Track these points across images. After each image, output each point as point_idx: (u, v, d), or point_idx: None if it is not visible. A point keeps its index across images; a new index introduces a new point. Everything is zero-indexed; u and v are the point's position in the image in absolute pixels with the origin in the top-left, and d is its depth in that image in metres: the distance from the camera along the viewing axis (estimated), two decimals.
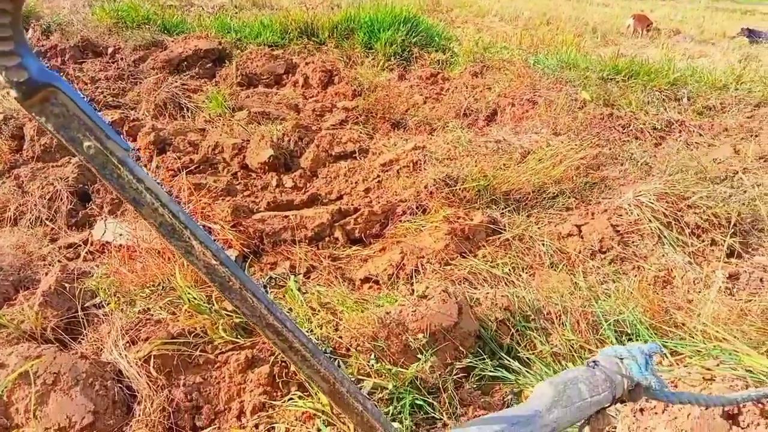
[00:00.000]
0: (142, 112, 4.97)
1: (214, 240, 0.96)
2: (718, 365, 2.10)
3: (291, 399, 1.98)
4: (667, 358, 2.27)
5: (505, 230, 3.23)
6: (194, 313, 2.21)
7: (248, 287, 1.05)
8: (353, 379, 2.01)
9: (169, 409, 1.97)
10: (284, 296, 2.37)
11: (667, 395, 1.48)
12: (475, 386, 2.16)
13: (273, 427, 1.92)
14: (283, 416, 1.94)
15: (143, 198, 0.95)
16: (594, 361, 1.39)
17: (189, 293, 2.30)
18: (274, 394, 2.03)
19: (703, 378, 2.00)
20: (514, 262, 3.03)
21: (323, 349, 2.09)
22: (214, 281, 1.05)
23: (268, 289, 2.52)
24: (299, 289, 2.44)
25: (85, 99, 0.50)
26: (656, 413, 1.88)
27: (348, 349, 2.11)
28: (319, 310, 2.21)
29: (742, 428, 1.78)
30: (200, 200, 3.22)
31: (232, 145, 4.24)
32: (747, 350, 2.08)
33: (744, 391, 1.79)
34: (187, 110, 5.07)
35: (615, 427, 1.97)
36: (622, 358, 1.41)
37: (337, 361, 2.05)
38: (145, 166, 4.04)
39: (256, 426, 1.92)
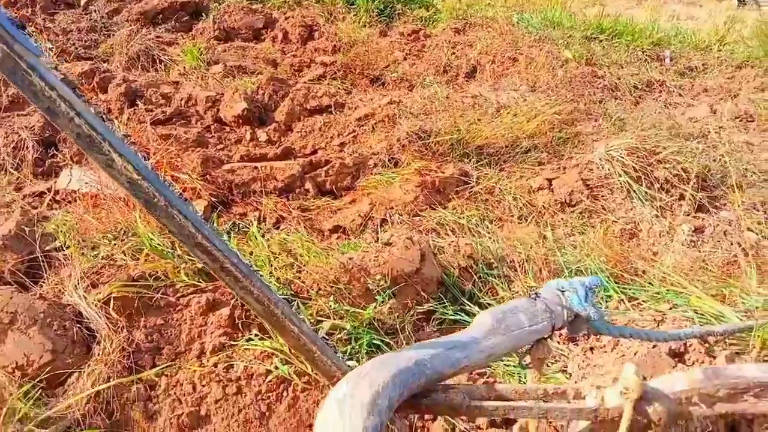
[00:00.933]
0: (114, 64, 4.84)
1: (142, 160, 0.95)
2: (670, 309, 2.15)
3: (250, 339, 2.00)
4: (624, 303, 2.32)
5: (476, 183, 3.24)
6: (156, 257, 2.21)
7: (174, 204, 1.05)
8: (312, 320, 2.03)
9: (129, 349, 1.98)
10: (247, 242, 2.37)
11: (609, 328, 1.52)
12: (434, 329, 2.20)
13: (232, 366, 1.95)
14: (242, 355, 1.97)
15: (58, 107, 0.93)
16: (536, 293, 1.42)
17: (151, 239, 2.29)
18: (234, 335, 2.06)
19: (654, 320, 2.05)
20: (483, 215, 3.05)
21: (283, 292, 2.11)
22: (138, 197, 1.04)
23: (231, 234, 2.51)
24: (263, 236, 2.44)
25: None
26: (605, 352, 1.93)
27: (309, 292, 2.13)
28: (280, 254, 2.21)
29: (687, 365, 1.83)
30: (169, 150, 3.18)
31: (206, 97, 4.16)
32: (698, 293, 2.13)
33: (687, 329, 1.84)
34: (161, 63, 4.95)
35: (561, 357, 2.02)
36: (563, 291, 1.44)
37: (296, 303, 2.07)
38: (116, 118, 3.97)
39: (215, 365, 1.95)
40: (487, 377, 2.05)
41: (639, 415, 1.21)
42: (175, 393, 1.90)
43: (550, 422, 1.80)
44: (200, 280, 2.21)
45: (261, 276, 1.11)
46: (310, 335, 1.17)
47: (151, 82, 4.38)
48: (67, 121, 0.89)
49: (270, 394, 1.89)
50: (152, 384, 1.93)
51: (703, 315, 2.06)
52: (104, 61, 4.97)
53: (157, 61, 4.97)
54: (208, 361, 1.97)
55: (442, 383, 1.29)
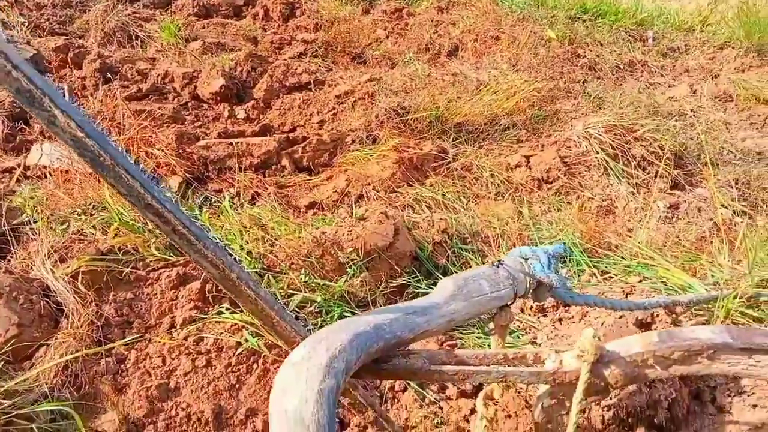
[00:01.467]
0: (89, 40, 4.74)
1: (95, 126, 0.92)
2: (640, 281, 2.17)
3: (220, 312, 2.00)
4: (595, 277, 2.34)
5: (454, 160, 3.23)
6: (125, 231, 2.18)
7: (121, 163, 1.02)
8: (283, 293, 2.03)
9: (97, 322, 1.96)
10: (218, 216, 2.35)
11: (572, 296, 1.53)
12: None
13: (202, 339, 1.94)
14: (212, 328, 1.96)
15: None
16: (499, 261, 1.42)
17: (121, 213, 2.26)
18: (205, 308, 2.05)
19: (623, 291, 2.08)
20: (461, 191, 3.05)
21: (254, 266, 2.10)
22: (84, 156, 1.02)
23: (203, 209, 2.49)
24: (236, 211, 2.41)
25: None
26: (573, 323, 1.95)
27: (281, 266, 2.12)
28: (251, 228, 2.19)
29: None
30: (143, 126, 3.12)
31: (183, 74, 4.09)
32: (666, 265, 2.15)
33: (653, 298, 1.86)
34: (138, 40, 4.85)
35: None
36: (526, 258, 1.45)
37: (267, 276, 2.06)
38: (91, 94, 3.89)
39: (185, 338, 1.94)
40: (459, 348, 2.06)
41: (596, 377, 1.22)
42: (144, 366, 1.89)
43: (519, 391, 1.82)
44: (171, 255, 2.19)
45: (217, 239, 1.10)
46: (268, 300, 1.17)
47: (127, 58, 4.29)
48: (3, 74, 0.86)
49: (240, 366, 1.89)
50: (122, 357, 1.92)
51: (671, 287, 2.09)
52: (79, 37, 4.86)
53: (134, 37, 4.87)
54: (178, 334, 1.96)
55: (404, 349, 1.30)
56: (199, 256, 1.09)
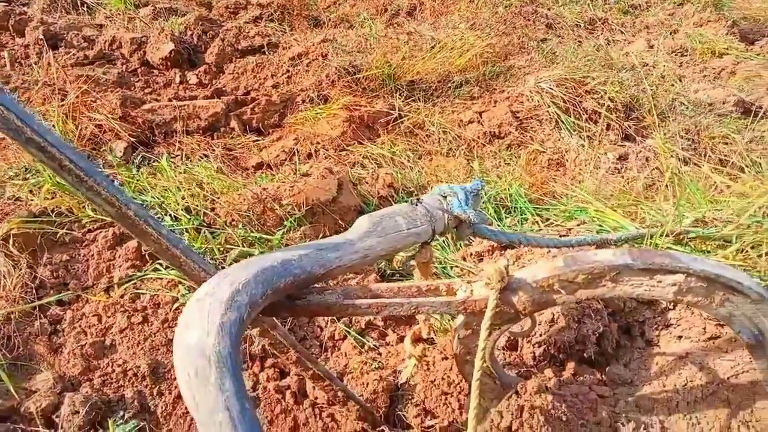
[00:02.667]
0: (33, 7, 4.56)
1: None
2: (579, 225, 2.20)
3: (157, 269, 1.98)
4: (538, 224, 2.37)
5: (406, 118, 3.21)
6: (59, 192, 2.14)
7: None
8: (221, 249, 2.01)
9: (32, 285, 1.93)
10: (156, 175, 2.31)
11: (495, 233, 1.54)
12: None
13: (138, 296, 1.93)
14: (149, 286, 1.94)
15: None
16: (417, 199, 1.42)
17: (53, 174, 2.20)
18: (143, 267, 2.03)
19: (559, 235, 2.10)
20: (412, 148, 3.04)
21: (193, 222, 2.07)
22: None
23: (141, 168, 2.44)
24: (175, 169, 2.37)
25: None
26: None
27: (219, 223, 2.10)
28: (187, 184, 2.16)
29: None
30: (86, 92, 3.04)
31: (131, 39, 3.97)
32: (601, 208, 2.18)
33: (581, 236, 1.89)
34: (85, 6, 4.68)
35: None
36: (445, 196, 1.45)
37: (203, 231, 2.04)
38: (35, 63, 3.76)
39: (121, 296, 1.92)
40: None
41: (505, 304, 1.24)
42: (80, 325, 1.87)
43: (446, 330, 1.84)
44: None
45: (109, 178, 1.07)
46: (171, 238, 1.15)
47: (73, 25, 4.15)
48: None
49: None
50: (57, 318, 1.90)
51: (606, 229, 2.12)
52: (23, 5, 4.67)
53: (80, 4, 4.69)
54: (115, 293, 1.94)
55: (319, 285, 1.30)
56: (92, 193, 1.07)
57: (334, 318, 1.94)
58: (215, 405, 0.94)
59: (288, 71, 3.83)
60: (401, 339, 1.93)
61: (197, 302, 1.05)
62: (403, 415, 1.71)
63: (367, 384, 1.72)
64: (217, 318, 1.02)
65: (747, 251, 1.84)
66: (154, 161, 2.53)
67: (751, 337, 1.28)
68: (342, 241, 1.29)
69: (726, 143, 3.32)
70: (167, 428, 1.70)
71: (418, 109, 3.29)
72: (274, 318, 1.33)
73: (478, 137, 3.17)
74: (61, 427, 1.54)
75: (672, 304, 1.84)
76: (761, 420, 1.58)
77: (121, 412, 1.60)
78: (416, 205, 1.41)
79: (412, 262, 1.46)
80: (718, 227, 1.96)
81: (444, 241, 2.29)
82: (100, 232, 2.10)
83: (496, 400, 1.44)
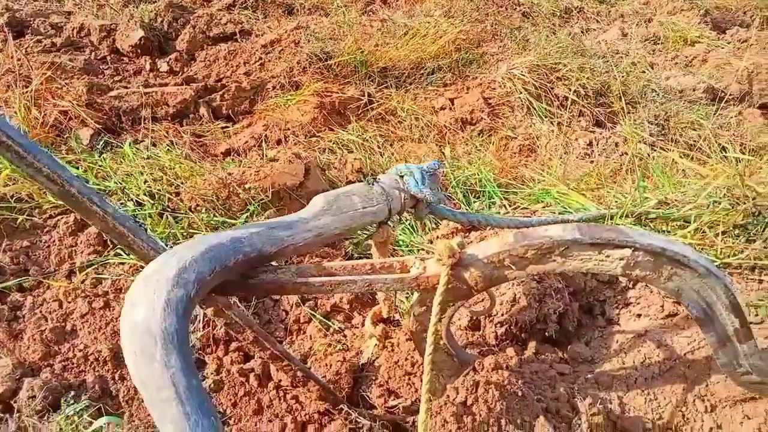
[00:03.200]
0: None
1: None
2: (544, 207, 2.22)
3: (119, 254, 1.96)
4: (505, 207, 2.39)
5: (378, 104, 3.20)
6: (18, 179, 2.10)
7: None
8: (184, 233, 2.00)
9: None
10: (118, 160, 2.28)
11: (453, 212, 1.55)
12: None
13: (100, 281, 1.91)
14: (111, 271, 1.92)
15: None
16: (374, 178, 1.42)
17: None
18: (105, 252, 2.00)
19: (524, 216, 2.12)
20: (384, 135, 3.03)
21: (156, 208, 2.05)
22: None
23: (103, 153, 2.41)
24: (139, 156, 2.34)
25: None
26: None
27: (183, 207, 2.08)
28: (148, 168, 2.13)
29: None
30: (52, 78, 2.98)
31: (100, 27, 3.90)
32: (565, 190, 2.20)
33: (539, 216, 1.91)
34: None
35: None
36: (402, 175, 1.45)
37: (166, 216, 2.02)
38: (0, 50, 3.68)
39: (83, 282, 1.90)
40: None
41: (457, 281, 1.25)
42: (40, 311, 1.85)
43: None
44: None
45: (49, 154, 1.05)
46: (118, 217, 1.14)
47: (39, 12, 4.07)
48: None
49: None
50: (17, 305, 1.87)
51: (570, 211, 2.14)
52: None
53: None
54: (77, 278, 1.92)
55: (273, 264, 1.30)
56: (33, 170, 1.05)
57: (299, 301, 1.94)
58: (161, 381, 0.94)
59: (261, 59, 3.79)
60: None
61: (143, 280, 1.04)
62: (367, 396, 1.72)
63: (330, 365, 1.72)
64: (163, 295, 1.01)
65: (705, 231, 1.88)
66: (117, 147, 2.50)
67: (700, 311, 1.30)
68: (295, 219, 1.29)
69: (694, 129, 3.36)
70: (129, 412, 1.69)
71: (390, 95, 3.29)
72: (229, 298, 1.32)
73: (450, 123, 3.17)
74: (18, 411, 1.53)
75: (631, 282, 1.87)
76: (715, 394, 1.62)
77: (73, 392, 1.58)
78: (373, 184, 1.41)
79: (370, 242, 1.47)
80: (678, 208, 1.99)
81: (412, 225, 2.29)
82: (62, 218, 2.07)
83: (454, 377, 1.46)
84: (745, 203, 1.79)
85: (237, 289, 1.24)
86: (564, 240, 1.18)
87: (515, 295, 1.77)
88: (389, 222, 1.44)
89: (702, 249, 1.84)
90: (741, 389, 1.52)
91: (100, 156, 2.36)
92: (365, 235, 2.00)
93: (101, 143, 2.52)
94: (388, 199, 1.40)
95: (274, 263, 1.28)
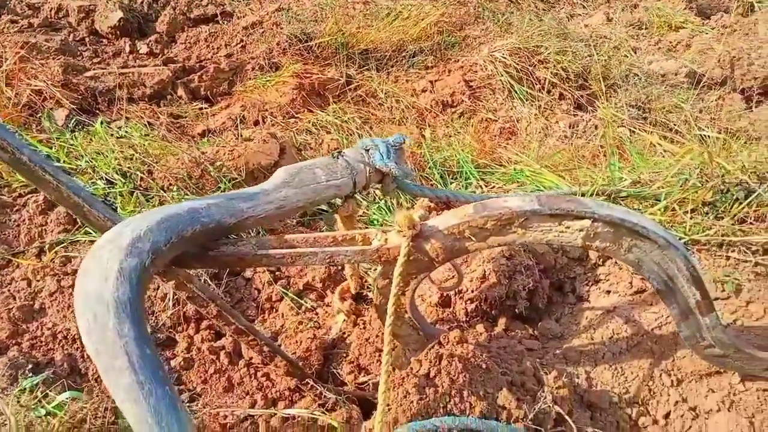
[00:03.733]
0: None
1: None
2: (518, 187, 2.22)
3: (88, 233, 1.94)
4: (481, 188, 2.39)
5: (359, 86, 3.18)
6: None
7: None
8: None
9: None
10: (90, 139, 2.25)
11: (420, 188, 1.54)
12: (296, 220, 2.20)
13: (69, 260, 1.89)
14: (80, 249, 1.91)
15: None
16: (339, 151, 1.42)
17: None
18: (75, 231, 1.98)
19: (498, 196, 2.12)
20: (363, 116, 3.02)
21: (128, 187, 2.03)
22: None
23: (75, 131, 2.38)
24: (111, 135, 2.32)
25: None
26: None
27: (155, 187, 2.07)
28: (119, 147, 2.11)
29: None
30: (25, 58, 2.93)
31: (78, 7, 3.84)
32: (540, 170, 2.21)
33: (511, 194, 1.91)
34: None
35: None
36: (367, 149, 1.45)
37: (136, 194, 2.01)
38: None
39: (52, 260, 1.88)
40: None
41: (418, 252, 1.25)
42: (8, 290, 1.83)
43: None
44: None
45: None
46: (72, 186, 1.13)
47: None
48: None
49: None
50: None
51: (542, 189, 2.15)
52: None
53: None
54: (46, 257, 1.90)
55: (234, 236, 1.29)
56: None
57: (271, 280, 1.94)
58: (114, 350, 0.93)
59: (242, 40, 3.76)
60: (340, 298, 1.93)
61: (97, 249, 1.03)
62: (338, 372, 1.73)
63: (301, 342, 1.72)
64: (116, 264, 1.00)
65: (675, 209, 1.88)
66: (89, 126, 2.47)
67: (661, 283, 1.31)
68: (256, 191, 1.28)
69: (674, 112, 3.37)
70: (99, 389, 1.68)
71: (371, 77, 3.27)
72: (189, 271, 1.31)
73: (431, 106, 3.16)
74: None
75: (601, 259, 1.88)
76: (682, 368, 1.64)
77: (30, 365, 1.57)
78: (337, 158, 1.40)
79: (336, 216, 1.46)
80: (650, 186, 2.00)
81: (389, 205, 2.29)
82: (31, 197, 2.05)
83: (419, 351, 1.46)
84: (713, 180, 1.80)
85: (197, 261, 1.24)
86: (523, 211, 1.18)
87: (485, 271, 1.77)
88: (354, 195, 1.43)
89: (672, 226, 1.85)
90: (706, 363, 1.54)
91: (71, 135, 2.34)
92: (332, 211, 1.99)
93: (73, 122, 2.49)
94: (353, 173, 1.39)
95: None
